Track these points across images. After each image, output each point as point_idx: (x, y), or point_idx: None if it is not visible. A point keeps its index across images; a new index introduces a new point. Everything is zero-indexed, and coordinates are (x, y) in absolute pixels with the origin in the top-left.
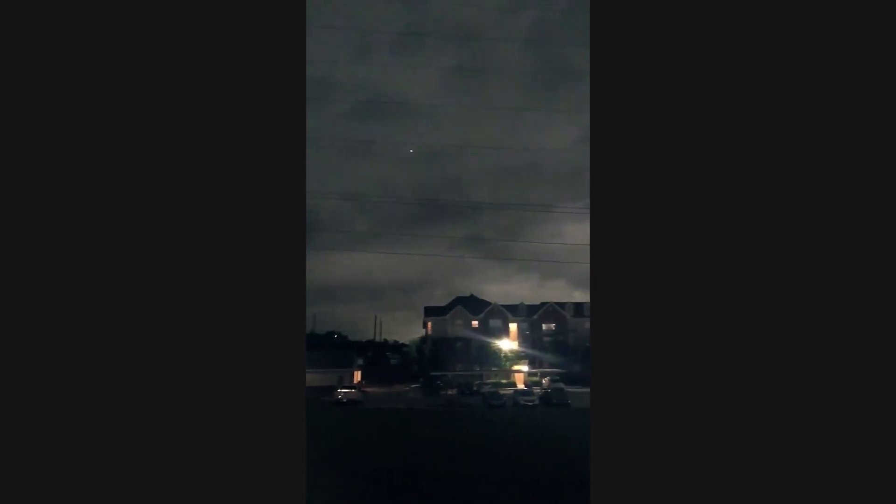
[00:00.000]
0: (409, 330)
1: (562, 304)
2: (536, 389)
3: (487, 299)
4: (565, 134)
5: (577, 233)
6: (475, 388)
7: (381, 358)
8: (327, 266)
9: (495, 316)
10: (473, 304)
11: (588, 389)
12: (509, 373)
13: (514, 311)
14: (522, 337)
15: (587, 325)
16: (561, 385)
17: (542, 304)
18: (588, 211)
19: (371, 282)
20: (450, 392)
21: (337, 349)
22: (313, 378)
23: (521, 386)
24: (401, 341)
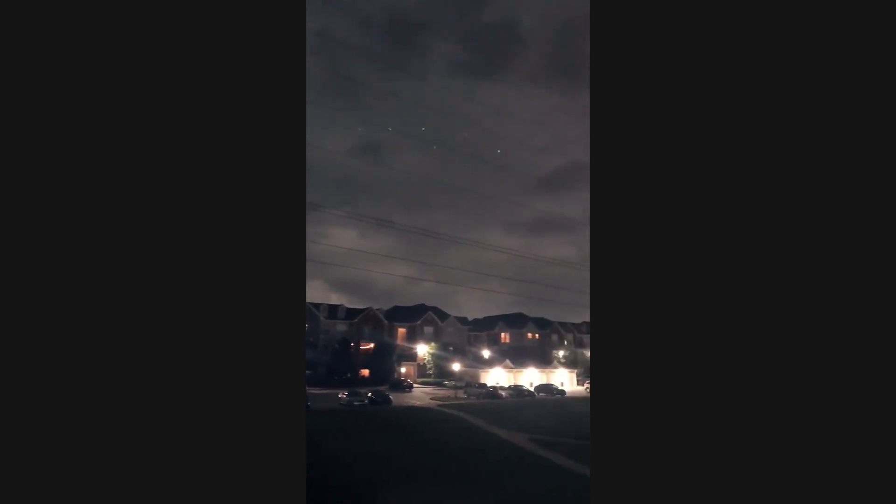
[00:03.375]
0: None
1: (317, 306)
2: None
3: None
4: (341, 141)
5: (342, 236)
6: None
7: None
8: None
9: None
10: None
11: (328, 391)
12: None
13: None
14: None
15: (339, 326)
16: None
17: None
18: (355, 217)
19: None
20: None
21: None
22: None
23: None
24: None
